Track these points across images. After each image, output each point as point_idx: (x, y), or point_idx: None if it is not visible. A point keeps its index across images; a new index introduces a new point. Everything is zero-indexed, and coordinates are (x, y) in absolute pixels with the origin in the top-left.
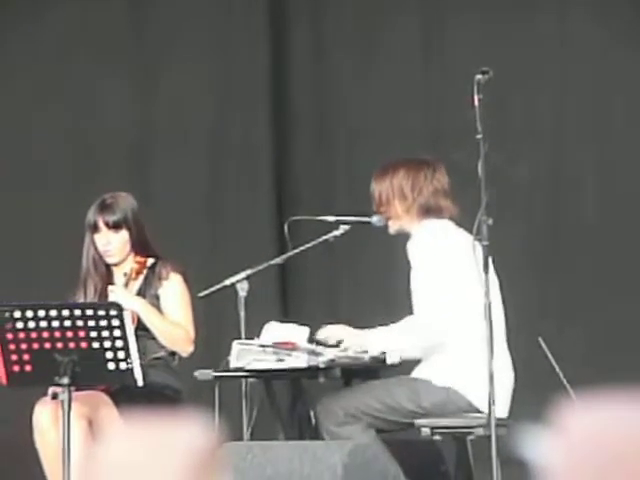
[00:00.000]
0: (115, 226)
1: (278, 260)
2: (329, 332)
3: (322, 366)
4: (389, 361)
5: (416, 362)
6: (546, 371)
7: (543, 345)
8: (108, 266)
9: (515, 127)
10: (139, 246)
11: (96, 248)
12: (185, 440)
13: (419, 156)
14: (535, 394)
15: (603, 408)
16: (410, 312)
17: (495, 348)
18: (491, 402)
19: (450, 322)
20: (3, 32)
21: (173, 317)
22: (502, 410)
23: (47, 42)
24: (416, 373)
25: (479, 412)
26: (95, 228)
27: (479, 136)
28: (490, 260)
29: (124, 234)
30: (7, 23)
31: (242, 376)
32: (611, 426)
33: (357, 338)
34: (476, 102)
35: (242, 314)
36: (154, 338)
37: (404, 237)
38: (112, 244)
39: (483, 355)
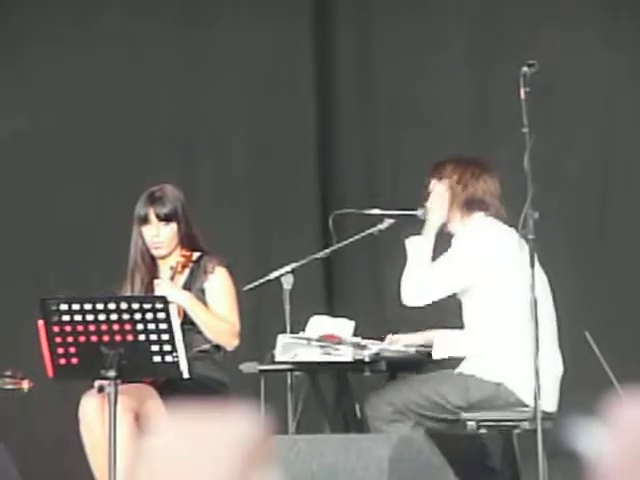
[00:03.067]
0: (166, 218)
1: (323, 254)
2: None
3: (367, 359)
4: (435, 357)
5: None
6: (593, 366)
7: (590, 339)
8: (154, 259)
9: (563, 120)
10: (186, 239)
11: (144, 241)
12: (234, 431)
13: (472, 156)
14: (584, 388)
15: None
16: (454, 309)
17: (543, 343)
18: (537, 395)
19: (505, 329)
20: (68, 16)
21: (218, 311)
22: (550, 404)
23: (102, 34)
24: (463, 368)
25: (526, 406)
26: (145, 220)
27: (525, 129)
28: (536, 256)
29: (173, 227)
30: (77, 8)
31: (287, 369)
32: None
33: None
34: (522, 95)
35: (287, 307)
36: (200, 332)
37: (450, 232)
38: (161, 236)
39: (531, 350)
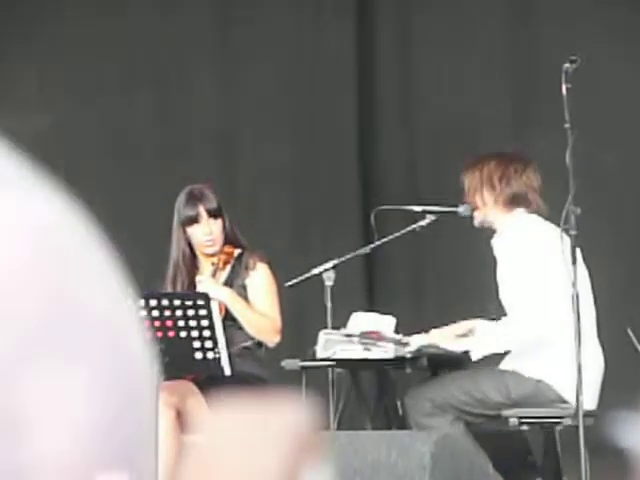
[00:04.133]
0: (215, 214)
1: (365, 250)
2: (424, 340)
3: (409, 356)
4: (474, 358)
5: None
6: (636, 362)
7: (632, 335)
8: (195, 257)
9: (603, 115)
10: (230, 235)
11: (187, 241)
12: (283, 423)
13: (513, 151)
14: (625, 384)
15: None
16: (496, 304)
17: (584, 339)
18: (579, 392)
19: (546, 321)
20: (102, 18)
21: (260, 307)
22: (591, 401)
23: (133, 34)
24: (504, 365)
25: (567, 403)
26: (195, 219)
27: (567, 125)
28: (579, 251)
29: (221, 222)
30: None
31: (329, 366)
32: None
33: (457, 344)
34: (564, 91)
35: (329, 304)
36: (241, 328)
37: (491, 228)
38: (214, 233)
39: (572, 347)
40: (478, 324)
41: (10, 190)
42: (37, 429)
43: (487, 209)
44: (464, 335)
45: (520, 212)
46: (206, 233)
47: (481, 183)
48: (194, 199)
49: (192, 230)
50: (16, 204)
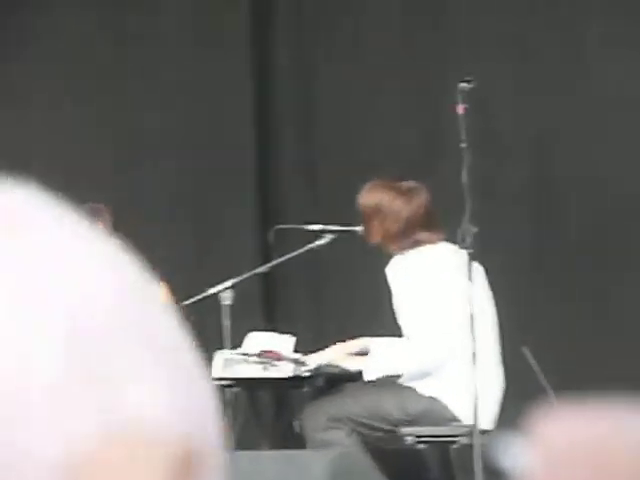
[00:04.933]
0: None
1: (262, 269)
2: (321, 359)
3: (306, 375)
4: (367, 379)
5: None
6: (532, 382)
7: (528, 355)
8: None
9: (502, 136)
10: None
11: None
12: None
13: (404, 180)
14: (523, 405)
15: (585, 418)
16: (393, 324)
17: (485, 359)
18: (476, 411)
19: (443, 345)
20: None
21: None
22: (488, 421)
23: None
24: (402, 380)
25: (461, 422)
26: None
27: (463, 145)
28: (482, 271)
29: None
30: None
31: (226, 385)
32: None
33: (353, 363)
34: (460, 111)
35: (226, 323)
36: None
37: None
38: None
39: (469, 366)
40: (374, 342)
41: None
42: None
43: (379, 238)
44: (359, 353)
45: (412, 239)
46: None
47: (371, 213)
48: (90, 216)
49: None
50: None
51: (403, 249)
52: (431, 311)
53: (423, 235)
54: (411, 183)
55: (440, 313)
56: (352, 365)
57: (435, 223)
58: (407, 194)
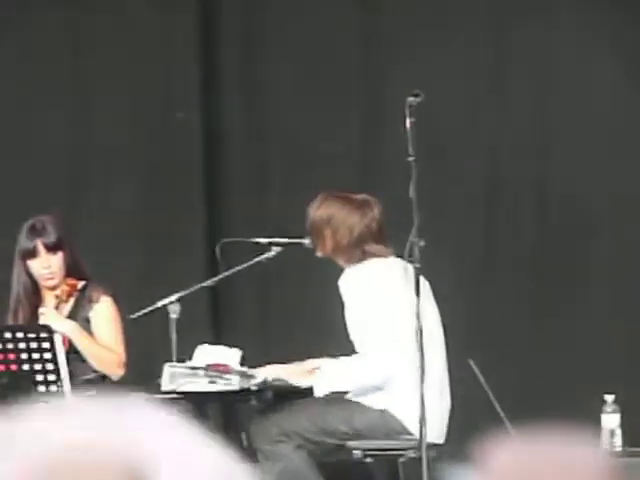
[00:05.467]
0: (54, 248)
1: (210, 282)
2: (270, 373)
3: (254, 388)
4: (318, 394)
5: None
6: (477, 393)
7: (474, 368)
8: (38, 290)
9: (448, 147)
10: (72, 267)
11: (28, 274)
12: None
13: (355, 194)
14: (468, 417)
15: (529, 445)
16: (343, 338)
17: (432, 372)
18: (422, 424)
19: (393, 360)
20: None
21: (104, 340)
22: (437, 434)
23: None
24: (350, 394)
25: (411, 435)
26: (33, 253)
27: (411, 158)
28: (427, 284)
29: (61, 256)
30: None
31: (174, 399)
32: (536, 464)
33: (303, 379)
34: (408, 125)
35: (174, 336)
36: (85, 361)
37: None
38: (53, 266)
39: (417, 378)
40: (324, 362)
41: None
42: None
43: (329, 252)
44: (310, 372)
45: (361, 252)
46: (45, 267)
47: (322, 229)
48: (33, 233)
49: (31, 263)
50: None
51: (353, 262)
52: (381, 325)
53: (374, 248)
54: (364, 195)
55: (389, 327)
56: (302, 382)
57: (386, 236)
58: (360, 207)
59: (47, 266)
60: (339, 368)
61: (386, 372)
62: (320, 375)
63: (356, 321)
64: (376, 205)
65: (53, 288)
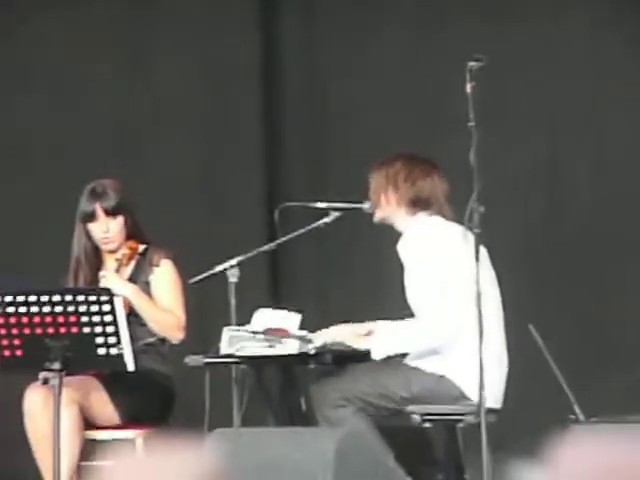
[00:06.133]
0: (113, 212)
1: (269, 247)
2: (330, 335)
3: (313, 352)
4: (375, 357)
5: None
6: (537, 359)
7: (534, 333)
8: (99, 253)
9: (510, 115)
10: (133, 231)
11: (89, 237)
12: (191, 469)
13: (420, 155)
14: (528, 382)
15: (598, 441)
16: (400, 303)
17: (490, 338)
18: (481, 389)
19: (451, 323)
20: None
21: (164, 303)
22: (495, 400)
23: (30, 20)
24: (409, 359)
25: (470, 400)
26: (92, 217)
27: (471, 123)
28: (485, 250)
29: (120, 220)
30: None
31: (233, 362)
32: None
33: (361, 342)
34: (468, 89)
35: (233, 300)
36: (145, 324)
37: (391, 226)
38: (111, 231)
39: (475, 344)
40: (380, 325)
41: None
42: None
43: (390, 209)
44: (367, 335)
45: (422, 215)
46: (103, 231)
47: (386, 183)
48: (93, 196)
49: (91, 226)
50: None
51: (414, 219)
52: (439, 288)
53: (436, 207)
54: (428, 159)
55: (448, 290)
56: (360, 344)
57: (447, 200)
58: (424, 166)
59: (105, 230)
60: (395, 332)
61: (442, 336)
62: (376, 338)
63: (414, 283)
64: (439, 169)
65: (113, 252)
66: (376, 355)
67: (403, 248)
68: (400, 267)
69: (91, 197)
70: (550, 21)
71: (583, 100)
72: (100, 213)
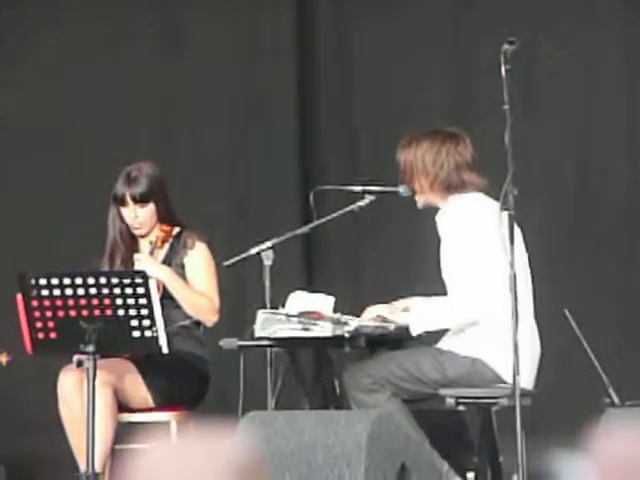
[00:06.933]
0: (141, 199)
1: (303, 229)
2: (372, 313)
3: (347, 335)
4: (414, 333)
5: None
6: (572, 343)
7: (569, 317)
8: (134, 235)
9: (544, 97)
10: (165, 216)
11: (122, 219)
12: (227, 452)
13: (444, 128)
14: (562, 365)
15: (634, 424)
16: (437, 284)
17: (522, 320)
18: (516, 372)
19: (486, 300)
20: None
21: (198, 286)
22: (528, 381)
23: (69, 8)
24: (442, 343)
25: (505, 383)
26: (122, 202)
27: (506, 106)
28: (518, 232)
29: (151, 207)
30: None
31: (267, 345)
32: None
33: (399, 316)
34: (503, 72)
35: (267, 283)
36: (179, 307)
37: (431, 208)
38: (140, 217)
39: (508, 326)
40: (415, 301)
41: None
42: None
43: (425, 194)
44: (403, 311)
45: (458, 195)
46: (132, 217)
47: (415, 167)
48: (125, 181)
49: (122, 210)
50: None
51: (452, 192)
52: (474, 266)
53: (471, 177)
54: (452, 128)
55: (483, 269)
56: (402, 319)
57: (479, 166)
58: (451, 137)
59: (134, 216)
60: (430, 308)
61: (472, 314)
62: (412, 315)
63: (450, 259)
64: (465, 135)
65: (144, 236)
66: (414, 331)
67: (441, 221)
68: (434, 249)
69: (123, 182)
70: (586, 4)
71: (617, 83)
72: (129, 199)
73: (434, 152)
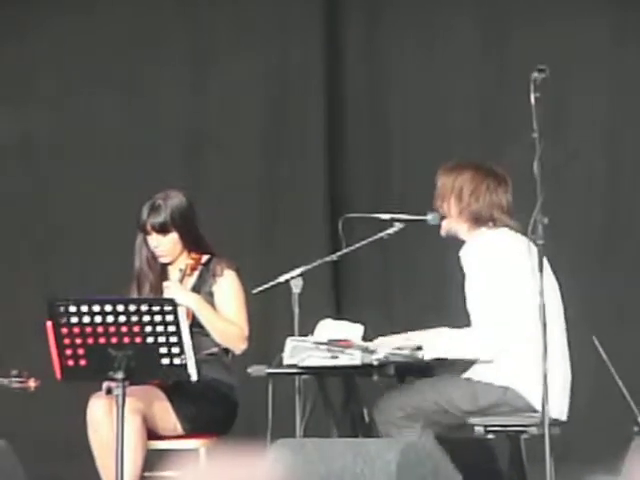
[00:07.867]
0: (161, 229)
1: (332, 257)
2: (387, 344)
3: (376, 364)
4: (426, 357)
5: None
6: (601, 371)
7: (598, 345)
8: (163, 263)
9: (572, 126)
10: (192, 244)
11: (149, 247)
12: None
13: (492, 164)
14: (591, 394)
15: None
16: (463, 314)
17: (552, 349)
18: (545, 400)
19: (509, 335)
20: (56, 14)
21: (227, 314)
22: (560, 411)
23: (100, 29)
24: (471, 373)
25: (536, 412)
26: (144, 231)
27: (535, 134)
28: (547, 261)
29: (173, 235)
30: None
31: (295, 373)
32: None
33: (416, 339)
34: (532, 100)
35: (296, 311)
36: (208, 334)
37: (457, 241)
38: (161, 246)
39: (539, 356)
40: (436, 331)
41: None
42: None
43: (451, 219)
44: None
45: (486, 228)
46: (154, 245)
47: (451, 191)
48: (147, 211)
49: (147, 239)
50: None
51: (479, 227)
52: (498, 298)
53: (503, 217)
54: (499, 169)
55: (507, 301)
56: (415, 341)
57: (512, 210)
58: (494, 176)
59: (156, 245)
60: (449, 337)
61: (490, 351)
62: (430, 340)
63: (475, 292)
64: (509, 180)
65: (169, 263)
66: (426, 354)
67: (466, 255)
68: (463, 277)
69: (146, 211)
70: (615, 33)
71: None
72: (149, 229)
73: (475, 183)
